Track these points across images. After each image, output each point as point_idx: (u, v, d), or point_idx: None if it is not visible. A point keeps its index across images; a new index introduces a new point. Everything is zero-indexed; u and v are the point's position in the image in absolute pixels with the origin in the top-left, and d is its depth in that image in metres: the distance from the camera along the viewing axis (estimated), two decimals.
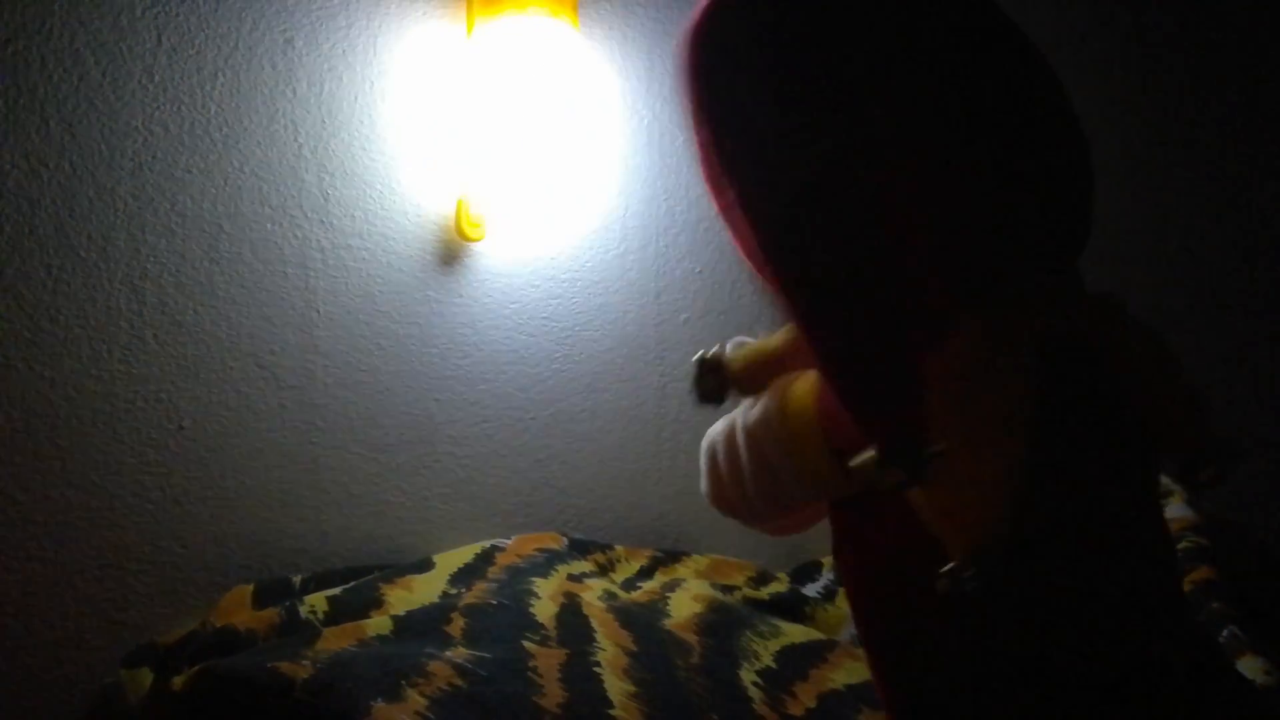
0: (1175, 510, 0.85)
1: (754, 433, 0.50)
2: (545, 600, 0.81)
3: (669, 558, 0.96)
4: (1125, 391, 0.44)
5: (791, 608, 0.89)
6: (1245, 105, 1.26)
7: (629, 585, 0.91)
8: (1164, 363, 0.46)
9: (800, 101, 0.43)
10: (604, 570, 0.93)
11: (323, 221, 0.89)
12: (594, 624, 0.78)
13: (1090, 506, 0.43)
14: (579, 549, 0.93)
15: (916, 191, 0.43)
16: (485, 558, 0.88)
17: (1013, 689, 0.43)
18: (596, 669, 0.73)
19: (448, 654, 0.71)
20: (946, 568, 0.39)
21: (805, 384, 0.48)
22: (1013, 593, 0.40)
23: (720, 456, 0.53)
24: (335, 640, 0.73)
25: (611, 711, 0.69)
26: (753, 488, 0.51)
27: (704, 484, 0.54)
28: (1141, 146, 1.23)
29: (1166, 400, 0.45)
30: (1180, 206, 1.24)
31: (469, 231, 0.93)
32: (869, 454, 0.41)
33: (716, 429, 0.53)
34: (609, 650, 0.75)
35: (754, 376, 0.48)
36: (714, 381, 0.50)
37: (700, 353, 0.50)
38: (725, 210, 0.44)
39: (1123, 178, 1.22)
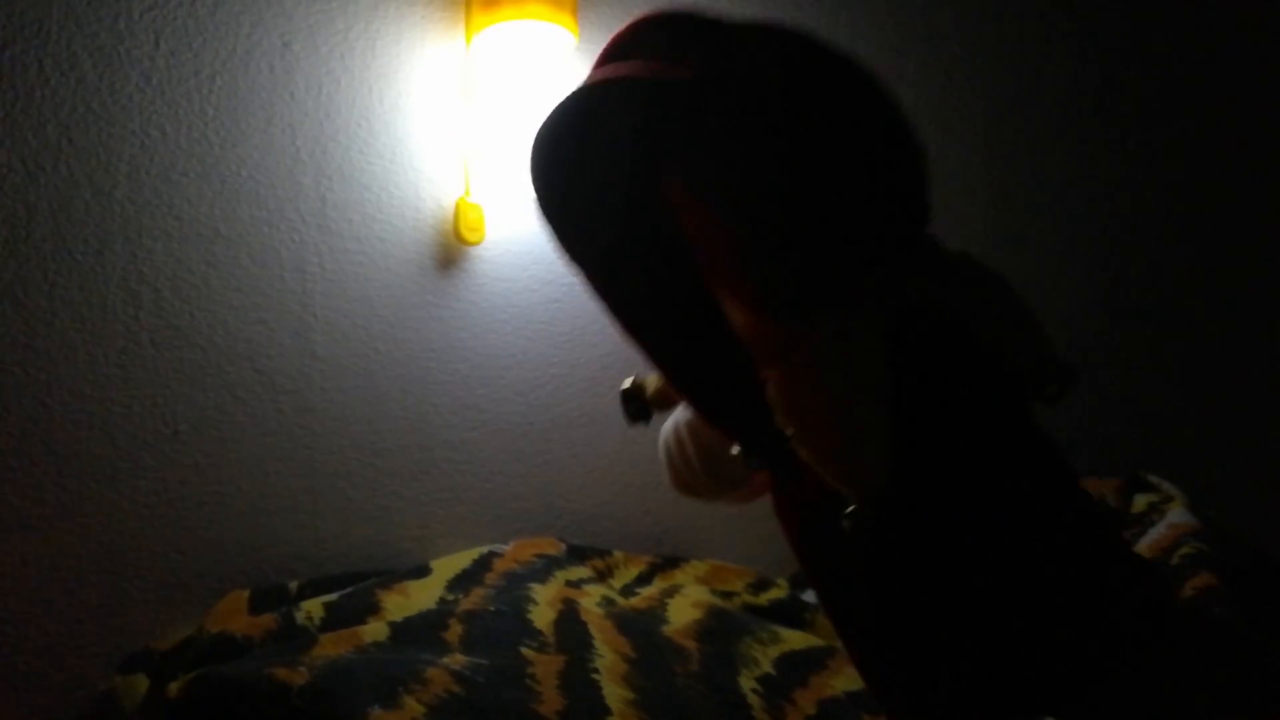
0: (1177, 517, 0.85)
1: (692, 425, 0.60)
2: (543, 606, 0.80)
3: (668, 564, 0.96)
4: (979, 336, 0.52)
5: (791, 614, 0.88)
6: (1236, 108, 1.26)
7: (627, 591, 0.91)
8: (1009, 304, 0.54)
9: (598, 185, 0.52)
10: (602, 576, 0.92)
11: (320, 225, 0.89)
12: (592, 630, 0.78)
13: (967, 441, 0.50)
14: (577, 555, 0.93)
15: (729, 226, 0.50)
16: (483, 564, 0.88)
17: (928, 605, 0.50)
18: (595, 676, 0.72)
19: (445, 661, 0.71)
20: (848, 511, 0.47)
21: None
22: (908, 526, 0.47)
23: (672, 448, 0.63)
24: (332, 646, 0.73)
25: (610, 719, 0.68)
26: (702, 470, 0.61)
27: (665, 473, 0.64)
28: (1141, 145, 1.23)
29: (1014, 336, 0.54)
30: (1182, 206, 1.24)
31: (466, 235, 0.92)
32: (736, 450, 0.51)
33: (667, 425, 0.63)
34: (608, 657, 0.75)
35: (668, 396, 0.56)
36: (636, 406, 0.58)
37: (622, 383, 0.58)
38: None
39: (1127, 176, 1.22)
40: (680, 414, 0.61)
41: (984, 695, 0.50)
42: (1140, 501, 0.91)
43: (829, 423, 0.48)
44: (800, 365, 0.49)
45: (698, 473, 0.61)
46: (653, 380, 0.57)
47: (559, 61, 0.92)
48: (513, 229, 0.96)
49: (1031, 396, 0.53)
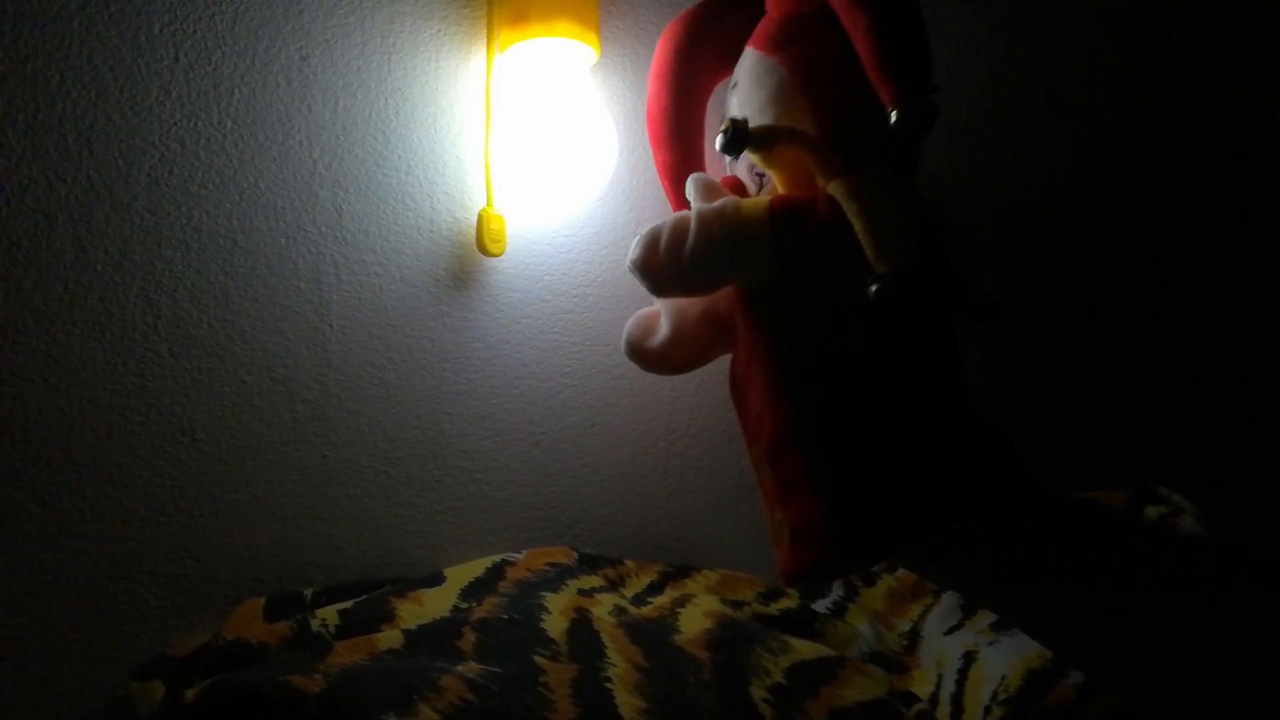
0: (1188, 529, 0.85)
1: (706, 216, 0.71)
2: (556, 615, 0.81)
3: (679, 573, 0.96)
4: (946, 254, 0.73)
5: (801, 624, 0.88)
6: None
7: (639, 600, 0.91)
8: (963, 242, 0.76)
9: None
10: (614, 585, 0.92)
11: (336, 237, 0.90)
12: (605, 639, 0.78)
13: (936, 289, 0.72)
14: (589, 564, 0.93)
15: None
16: (496, 572, 0.88)
17: (886, 376, 0.68)
18: (608, 684, 0.73)
19: (459, 668, 0.71)
20: (875, 277, 0.65)
21: (759, 198, 0.72)
22: (913, 296, 0.64)
23: (665, 231, 0.73)
24: (347, 654, 0.73)
25: None
26: (690, 255, 0.72)
27: (636, 253, 0.75)
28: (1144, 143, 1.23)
29: (960, 260, 0.75)
30: (1181, 204, 1.24)
31: (490, 246, 0.93)
32: (893, 113, 0.65)
33: (674, 216, 0.75)
34: (620, 666, 0.75)
35: (765, 136, 0.70)
36: (737, 136, 0.70)
37: (731, 117, 0.71)
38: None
39: (1131, 175, 1.22)
40: (695, 210, 0.72)
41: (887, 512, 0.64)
42: (1151, 513, 0.91)
43: (889, 210, 0.67)
44: (869, 177, 0.69)
45: (683, 259, 0.72)
46: (760, 125, 0.71)
47: (581, 77, 0.93)
48: (526, 241, 0.97)
49: (970, 312, 0.74)
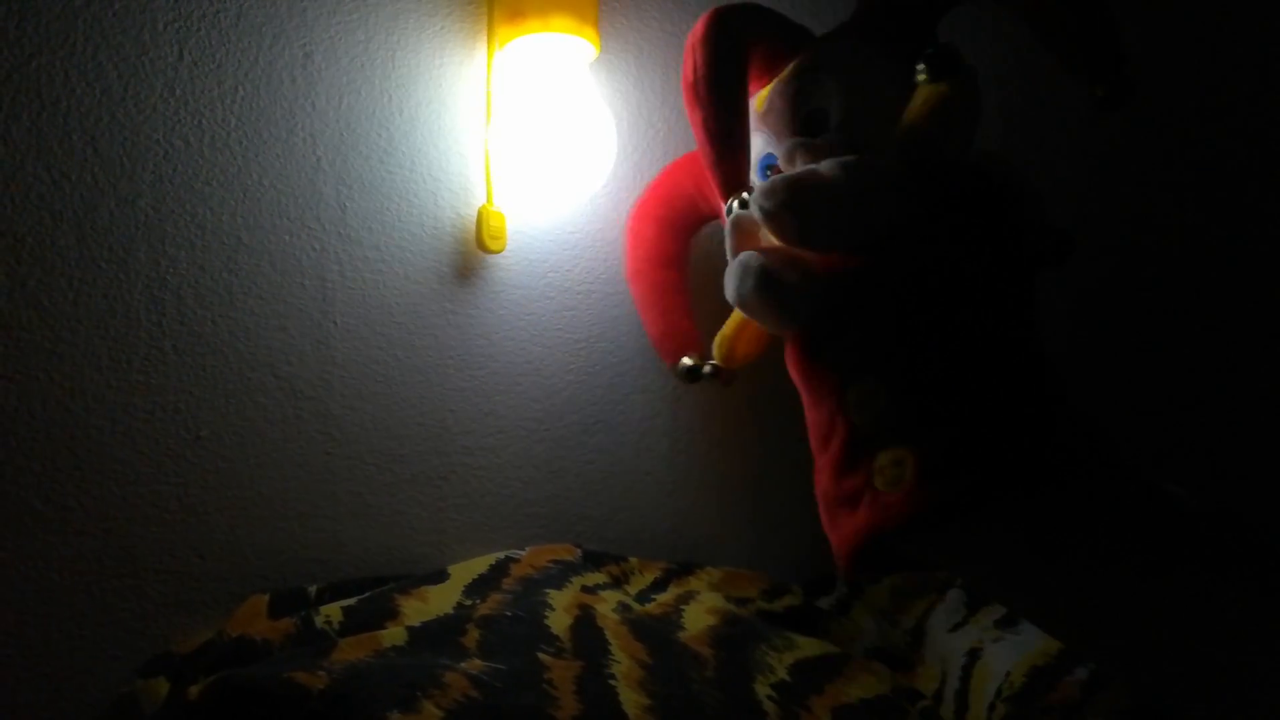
0: None
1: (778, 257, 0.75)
2: (560, 612, 0.81)
3: (682, 570, 0.96)
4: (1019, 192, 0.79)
5: (805, 620, 0.88)
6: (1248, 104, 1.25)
7: (643, 597, 0.91)
8: (1028, 184, 0.79)
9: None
10: (618, 582, 0.93)
11: (340, 234, 0.90)
12: (608, 636, 0.78)
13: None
14: (593, 561, 0.93)
15: None
16: (500, 569, 0.88)
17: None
18: (611, 681, 0.73)
19: (463, 665, 0.71)
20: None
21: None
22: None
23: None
24: (351, 651, 0.73)
25: None
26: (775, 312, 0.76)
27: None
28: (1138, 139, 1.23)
29: (1033, 204, 0.78)
30: (1184, 202, 1.24)
31: (489, 243, 0.93)
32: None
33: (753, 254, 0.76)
34: (624, 663, 0.75)
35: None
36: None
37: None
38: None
39: (1130, 171, 1.22)
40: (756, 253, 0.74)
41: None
42: None
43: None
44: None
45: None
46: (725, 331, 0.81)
47: (580, 72, 0.93)
48: (529, 238, 0.97)
49: (1037, 256, 0.77)
